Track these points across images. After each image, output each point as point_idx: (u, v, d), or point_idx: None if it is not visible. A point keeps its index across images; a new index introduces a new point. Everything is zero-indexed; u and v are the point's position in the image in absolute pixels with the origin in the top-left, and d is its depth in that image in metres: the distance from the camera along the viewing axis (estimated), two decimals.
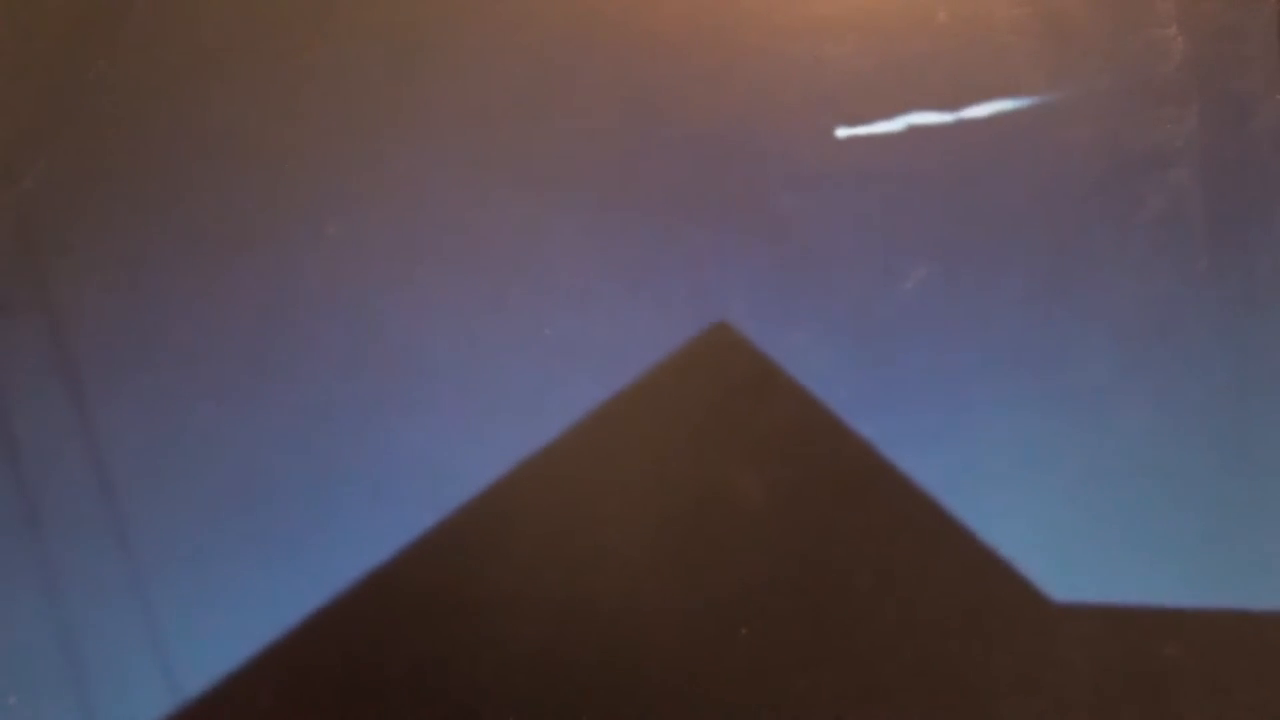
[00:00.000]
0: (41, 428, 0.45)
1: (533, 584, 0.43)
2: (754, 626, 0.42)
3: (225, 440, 0.45)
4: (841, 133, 0.45)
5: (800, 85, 0.45)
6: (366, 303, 0.45)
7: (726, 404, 0.43)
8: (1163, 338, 0.42)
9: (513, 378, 0.44)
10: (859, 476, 0.43)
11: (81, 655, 0.43)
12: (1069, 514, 0.41)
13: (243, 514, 0.44)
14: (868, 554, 0.42)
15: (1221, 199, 0.43)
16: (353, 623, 0.43)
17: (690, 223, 0.45)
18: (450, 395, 0.44)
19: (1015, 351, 0.43)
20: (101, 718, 0.43)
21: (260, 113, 0.47)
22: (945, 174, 0.44)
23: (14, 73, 0.48)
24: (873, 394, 0.43)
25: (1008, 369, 0.42)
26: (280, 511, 0.44)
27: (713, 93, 0.45)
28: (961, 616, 0.41)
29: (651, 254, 0.45)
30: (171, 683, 0.43)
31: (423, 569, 0.43)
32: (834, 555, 0.42)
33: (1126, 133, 0.43)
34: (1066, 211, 0.43)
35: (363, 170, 0.46)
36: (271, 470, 0.44)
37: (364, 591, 0.43)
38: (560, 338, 0.44)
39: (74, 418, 0.45)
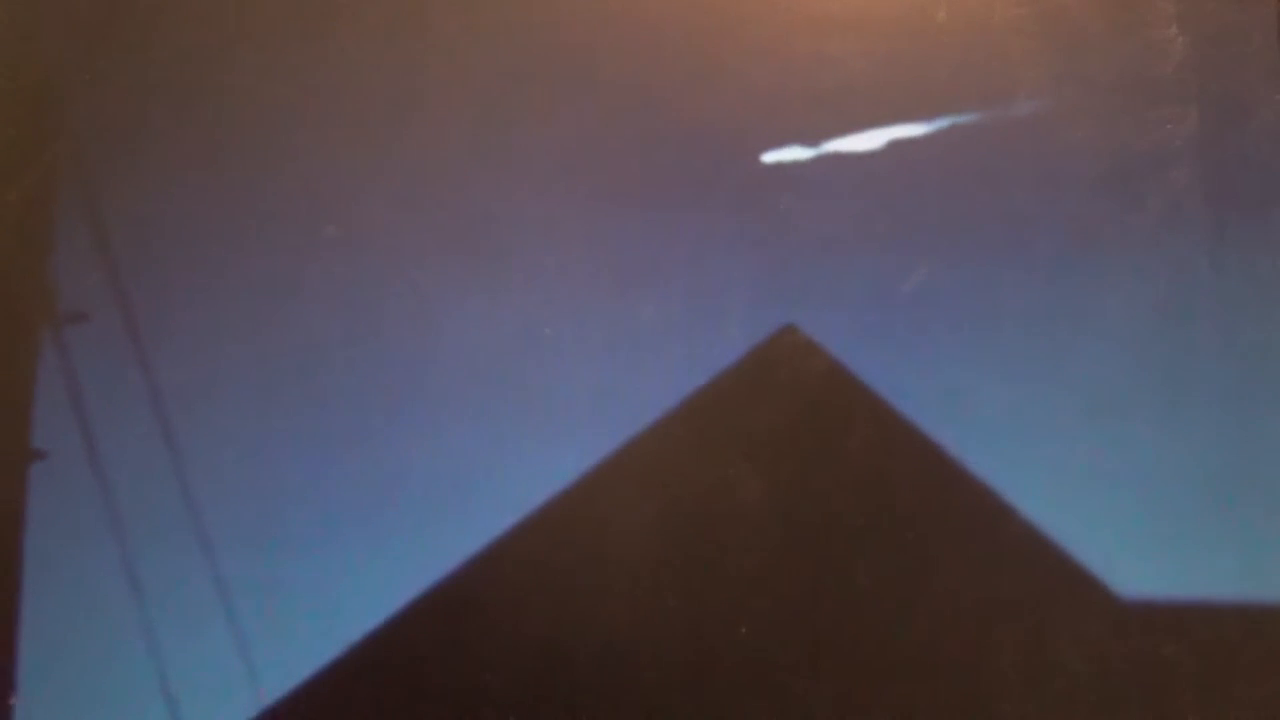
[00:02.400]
0: (120, 432, 0.45)
1: (534, 584, 0.43)
2: (754, 626, 0.42)
3: (242, 448, 0.45)
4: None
5: (800, 85, 0.45)
6: (367, 302, 0.45)
7: (729, 404, 0.43)
8: (1163, 337, 0.42)
9: (512, 377, 0.44)
10: (854, 476, 0.43)
11: (165, 659, 0.43)
12: (1069, 513, 0.41)
13: (250, 522, 0.44)
14: (867, 553, 0.42)
15: (1221, 199, 0.43)
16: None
17: (688, 222, 0.45)
18: (451, 397, 0.44)
19: (1015, 351, 0.43)
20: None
21: (260, 113, 0.47)
22: (946, 174, 0.44)
23: (13, 72, 0.48)
24: (869, 393, 0.43)
25: (1007, 369, 0.42)
26: (281, 514, 0.44)
27: (712, 93, 0.45)
28: (962, 615, 0.41)
29: (649, 254, 0.45)
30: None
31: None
32: (834, 553, 0.42)
33: (1126, 133, 0.43)
34: (1067, 211, 0.43)
35: (362, 170, 0.46)
36: (277, 473, 0.44)
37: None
38: (560, 338, 0.44)
39: (153, 421, 0.45)
